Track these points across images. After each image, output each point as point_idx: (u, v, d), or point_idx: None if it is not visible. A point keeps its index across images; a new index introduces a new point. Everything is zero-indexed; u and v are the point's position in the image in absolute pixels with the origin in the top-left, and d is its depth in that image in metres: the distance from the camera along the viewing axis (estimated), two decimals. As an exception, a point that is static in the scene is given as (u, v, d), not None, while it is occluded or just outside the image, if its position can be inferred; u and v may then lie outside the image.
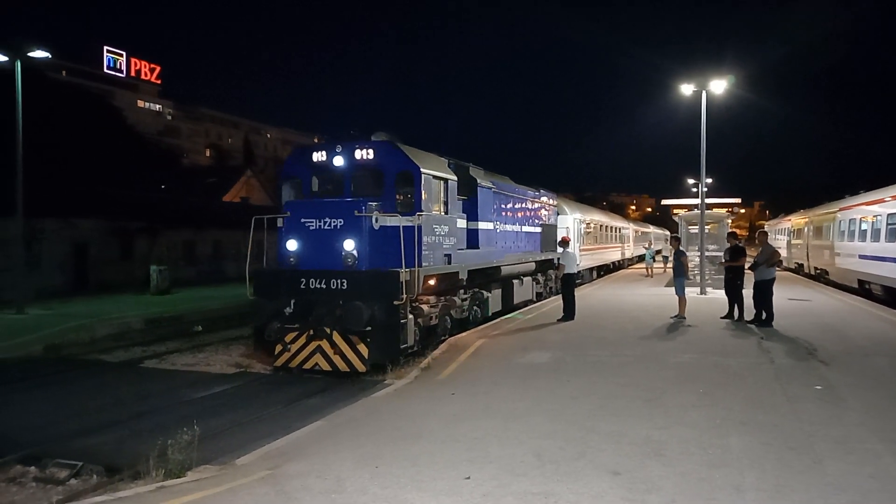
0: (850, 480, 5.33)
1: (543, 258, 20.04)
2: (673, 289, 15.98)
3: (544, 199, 21.45)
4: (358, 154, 11.89)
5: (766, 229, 28.01)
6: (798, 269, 33.92)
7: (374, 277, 10.68)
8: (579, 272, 23.46)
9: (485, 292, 15.14)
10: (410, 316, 11.10)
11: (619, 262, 39.25)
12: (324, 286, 10.80)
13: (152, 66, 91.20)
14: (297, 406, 9.29)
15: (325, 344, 10.77)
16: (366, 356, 10.55)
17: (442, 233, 12.28)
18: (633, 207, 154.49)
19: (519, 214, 18.06)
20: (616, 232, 38.07)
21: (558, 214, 23.47)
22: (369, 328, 10.53)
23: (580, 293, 18.92)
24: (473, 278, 13.95)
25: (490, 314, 15.38)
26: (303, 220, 11.20)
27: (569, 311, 15.32)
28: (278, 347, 11.13)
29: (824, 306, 18.25)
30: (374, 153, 11.82)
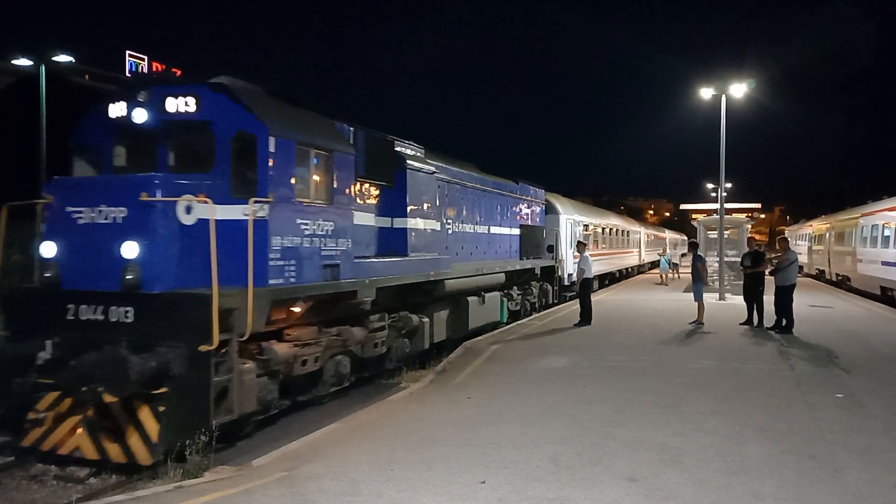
0: (871, 490, 5.24)
1: (521, 267, 16.43)
2: (691, 294, 15.84)
3: (527, 195, 17.77)
4: (172, 105, 7.50)
5: (786, 235, 27.74)
6: (819, 276, 33.47)
7: (167, 305, 6.71)
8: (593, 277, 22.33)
9: (417, 317, 10.99)
10: (242, 367, 6.97)
11: (628, 269, 35.73)
12: (101, 317, 6.82)
13: (173, 69, 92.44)
14: (313, 409, 9.31)
15: (93, 414, 6.54)
16: (154, 438, 6.31)
17: (319, 231, 8.03)
18: (651, 212, 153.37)
19: (486, 212, 14.47)
20: (624, 236, 34.53)
21: (547, 214, 19.93)
22: (164, 390, 6.43)
23: (595, 299, 18.78)
24: (394, 298, 10.33)
25: (429, 346, 11.48)
26: (69, 210, 7.11)
27: (585, 316, 15.23)
28: (31, 415, 6.69)
29: (846, 313, 17.99)
30: (199, 104, 7.49)
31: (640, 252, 39.87)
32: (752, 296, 14.79)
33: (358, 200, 9.46)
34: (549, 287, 19.39)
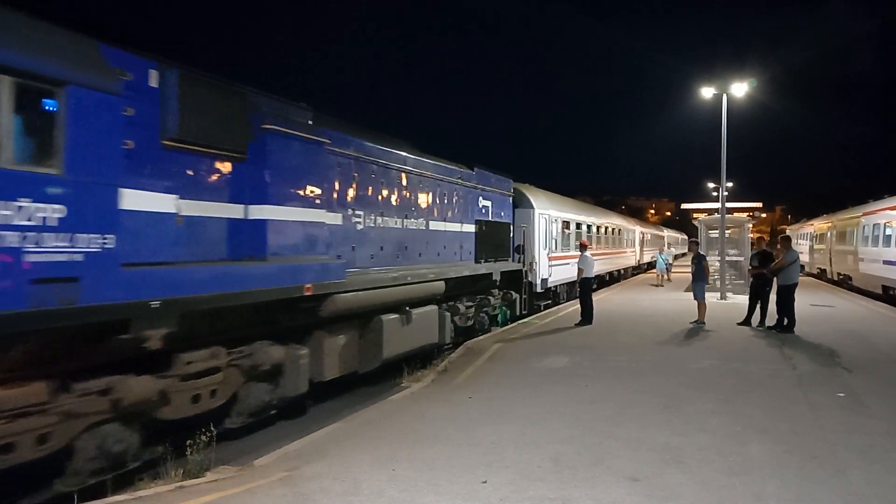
0: (874, 490, 5.24)
1: (473, 273, 13.47)
2: (692, 294, 15.82)
3: (487, 184, 14.80)
4: None
5: (788, 234, 27.70)
6: (821, 275, 33.45)
7: None
8: (555, 288, 19.90)
9: (285, 348, 7.87)
10: None
11: (622, 271, 33.14)
12: None
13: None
14: (315, 408, 9.32)
15: None
16: None
17: (25, 221, 4.80)
18: (653, 211, 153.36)
19: (421, 203, 11.65)
20: (617, 235, 31.65)
21: (516, 208, 17.14)
22: None
23: (596, 298, 18.75)
24: (246, 322, 7.48)
25: (297, 394, 8.10)
26: None
27: (586, 316, 15.22)
28: None
29: (848, 312, 17.97)
30: None
31: (636, 252, 37.73)
32: (759, 295, 14.75)
33: (146, 172, 6.14)
34: (516, 295, 16.18)
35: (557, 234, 20.04)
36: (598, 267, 24.67)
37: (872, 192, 27.49)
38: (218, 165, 7.08)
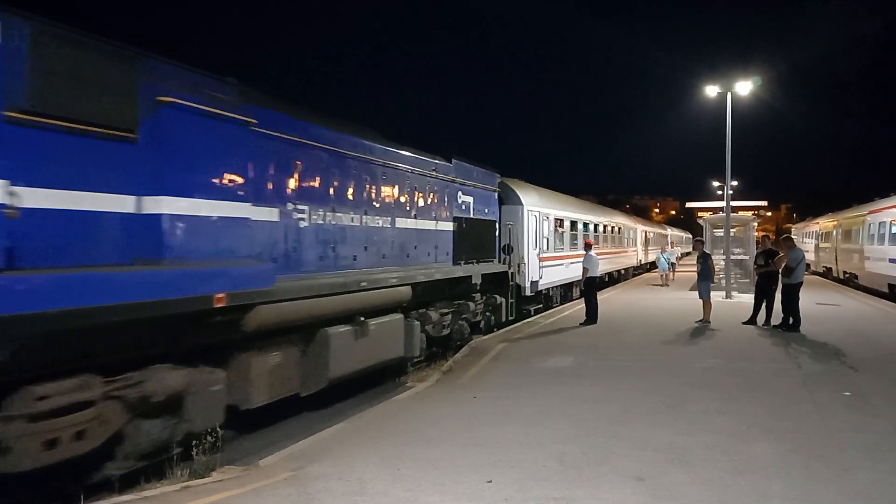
0: (880, 490, 5.22)
1: (448, 276, 11.74)
2: (696, 293, 15.79)
3: (468, 178, 13.18)
4: None
5: (793, 234, 27.64)
6: (826, 273, 33.34)
7: None
8: (547, 291, 18.80)
9: (188, 371, 6.23)
10: None
11: (622, 271, 31.65)
12: None
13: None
14: (320, 408, 9.34)
15: None
16: None
17: None
18: (658, 210, 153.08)
19: (387, 198, 10.13)
20: (616, 233, 30.10)
21: (503, 205, 15.76)
22: None
23: (600, 298, 18.71)
24: (124, 343, 5.70)
25: (209, 426, 6.34)
26: None
27: (591, 315, 15.21)
28: None
29: (853, 311, 17.91)
30: None
31: (638, 251, 36.33)
32: (764, 294, 14.69)
33: None
34: (501, 300, 14.63)
35: (549, 232, 18.70)
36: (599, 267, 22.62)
37: (878, 190, 27.42)
38: (90, 146, 5.40)
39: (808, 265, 33.56)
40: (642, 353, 11.40)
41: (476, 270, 13.06)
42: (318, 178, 8.45)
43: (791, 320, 13.72)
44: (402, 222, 10.56)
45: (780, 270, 14.06)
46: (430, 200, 11.56)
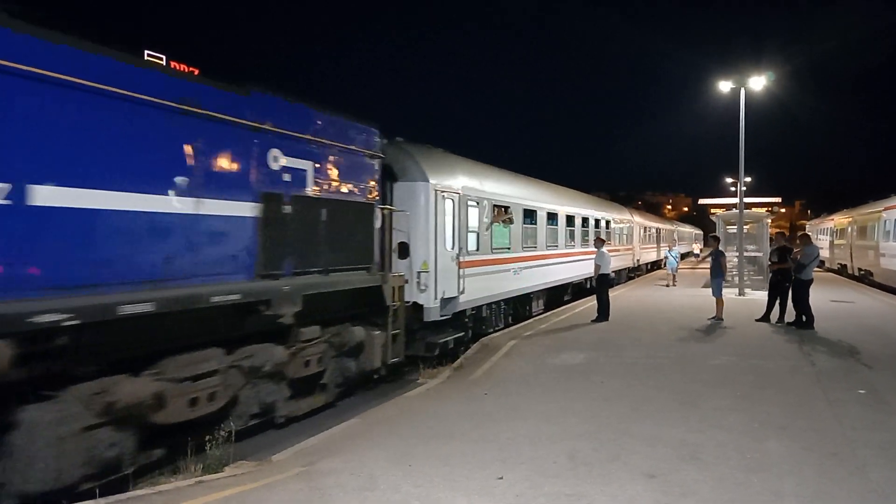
0: (894, 488, 5.17)
1: (194, 303, 6.23)
2: (709, 290, 15.71)
3: (289, 128, 7.85)
4: None
5: (808, 231, 27.44)
6: (841, 270, 33.05)
7: None
8: (475, 311, 12.92)
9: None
10: None
11: (574, 284, 20.86)
12: None
13: (190, 68, 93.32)
14: (331, 405, 9.38)
15: None
16: None
17: None
18: (670, 207, 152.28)
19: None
20: (599, 228, 22.93)
21: (392, 181, 10.83)
22: None
23: (612, 295, 18.61)
24: None
25: None
26: None
27: (603, 312, 15.16)
28: None
29: (868, 308, 17.74)
30: None
31: (633, 250, 30.08)
32: (778, 291, 14.58)
33: None
34: (374, 334, 9.26)
35: (481, 224, 13.00)
36: (560, 273, 18.37)
37: (894, 187, 27.08)
38: None
39: (822, 262, 33.28)
40: (654, 349, 11.35)
41: (292, 289, 7.47)
42: None
43: (804, 318, 13.62)
44: (99, 198, 5.51)
45: (793, 267, 13.96)
46: (186, 162, 6.40)
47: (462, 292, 11.99)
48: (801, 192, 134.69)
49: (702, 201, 39.32)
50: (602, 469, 5.61)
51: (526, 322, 15.19)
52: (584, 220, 21.41)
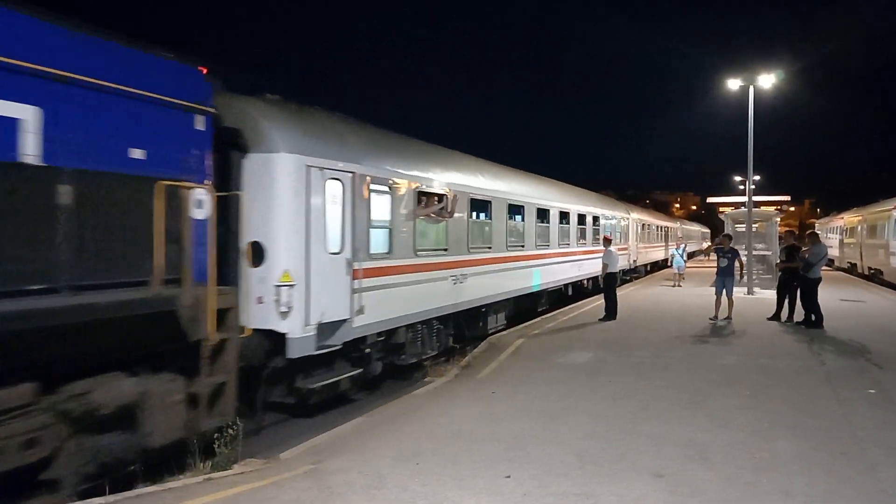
0: (904, 488, 5.15)
1: None
2: (720, 289, 15.61)
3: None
4: None
5: (817, 229, 27.28)
6: (851, 269, 32.84)
7: None
8: (385, 335, 9.22)
9: None
10: None
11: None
12: None
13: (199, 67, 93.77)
14: (339, 403, 9.41)
15: None
16: None
17: None
18: (678, 205, 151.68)
19: None
20: (580, 224, 19.55)
21: (234, 151, 7.36)
22: None
23: (619, 293, 18.55)
24: None
25: None
26: None
27: (610, 311, 15.13)
28: None
29: (878, 308, 17.62)
30: None
31: (630, 249, 27.05)
32: (788, 290, 14.49)
33: None
34: (154, 388, 5.86)
35: (396, 217, 9.54)
36: (520, 279, 14.51)
37: (905, 185, 26.88)
38: None
39: (831, 261, 33.03)
40: (662, 348, 11.32)
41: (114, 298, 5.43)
42: None
43: (813, 317, 13.54)
44: None
45: (801, 266, 13.87)
46: None
47: (359, 312, 8.52)
48: (810, 191, 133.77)
49: (710, 200, 39.10)
50: (610, 468, 5.60)
51: (533, 321, 15.18)
52: (564, 216, 17.88)
